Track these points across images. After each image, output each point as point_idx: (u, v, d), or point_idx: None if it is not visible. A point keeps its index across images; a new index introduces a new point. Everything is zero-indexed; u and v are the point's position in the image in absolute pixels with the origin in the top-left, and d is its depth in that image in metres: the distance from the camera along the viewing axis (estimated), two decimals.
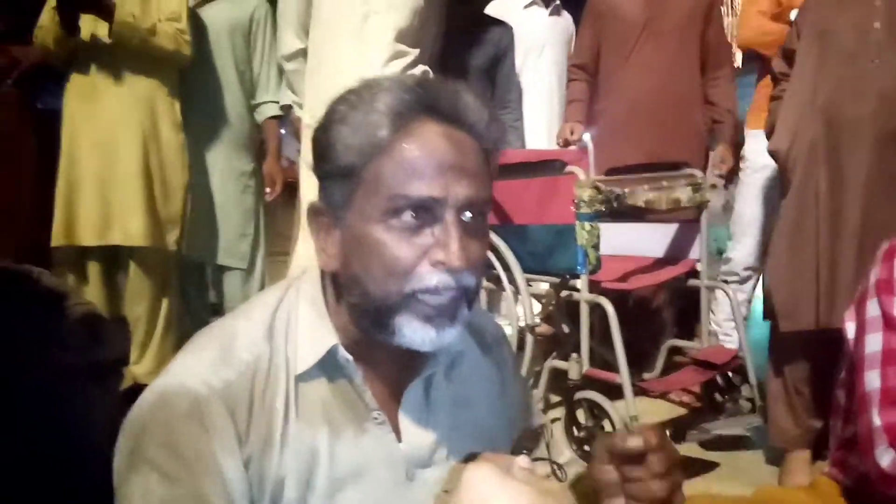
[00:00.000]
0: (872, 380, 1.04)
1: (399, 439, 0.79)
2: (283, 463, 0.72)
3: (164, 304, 2.40)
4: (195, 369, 0.71)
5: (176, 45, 2.27)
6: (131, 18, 2.16)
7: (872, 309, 1.10)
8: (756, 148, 2.59)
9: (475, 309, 0.96)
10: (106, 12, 2.13)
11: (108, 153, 2.24)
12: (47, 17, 2.22)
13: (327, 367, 0.76)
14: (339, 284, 0.76)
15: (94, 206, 2.22)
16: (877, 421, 1.00)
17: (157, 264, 2.36)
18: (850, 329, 1.15)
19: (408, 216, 0.69)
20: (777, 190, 2.51)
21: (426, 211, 0.70)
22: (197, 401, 0.69)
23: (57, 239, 2.24)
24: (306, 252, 2.01)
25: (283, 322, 0.77)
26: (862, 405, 1.04)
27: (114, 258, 2.34)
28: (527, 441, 0.84)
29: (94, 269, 2.30)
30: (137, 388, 2.21)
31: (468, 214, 0.71)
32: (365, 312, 0.73)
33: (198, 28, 2.51)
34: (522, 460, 0.61)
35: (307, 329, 0.76)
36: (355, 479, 0.75)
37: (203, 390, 0.69)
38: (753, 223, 2.63)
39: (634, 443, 0.66)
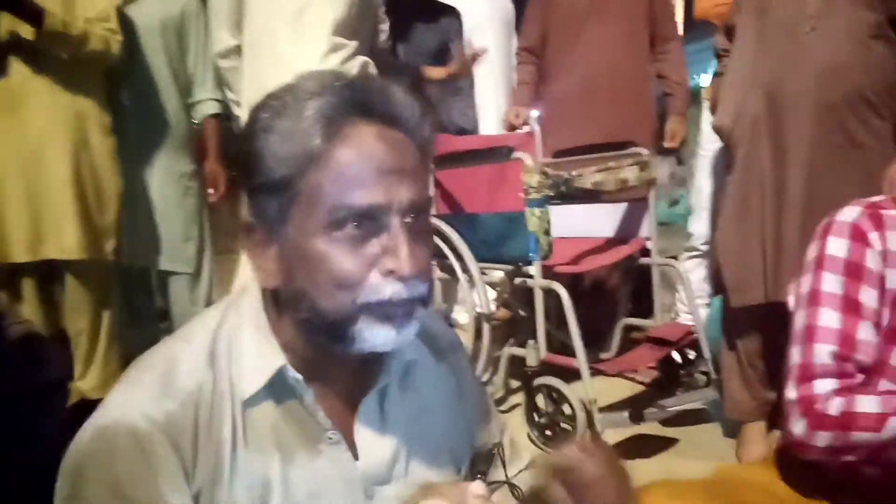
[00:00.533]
0: (794, 355, 1.09)
1: (356, 457, 0.76)
2: (233, 495, 0.68)
3: (106, 315, 2.31)
4: (134, 402, 0.68)
5: (106, 45, 2.16)
6: (62, 26, 2.05)
7: (804, 284, 1.13)
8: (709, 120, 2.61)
9: (429, 314, 0.94)
10: (34, 18, 2.02)
11: (36, 165, 2.12)
12: None
13: (275, 388, 0.72)
14: (282, 300, 0.73)
15: (25, 222, 2.10)
16: (792, 394, 1.06)
17: (95, 276, 2.26)
18: (791, 303, 1.18)
19: (351, 227, 0.67)
20: None
21: (370, 219, 0.67)
22: (138, 436, 0.65)
23: None
24: (247, 268, 1.94)
25: (225, 345, 0.73)
26: (785, 378, 1.10)
27: (49, 272, 2.24)
28: (481, 463, 0.81)
29: (28, 285, 2.19)
30: (85, 404, 2.14)
31: (411, 217, 0.69)
32: (317, 327, 0.70)
33: (127, 27, 2.39)
34: (476, 487, 0.59)
35: (252, 350, 0.73)
36: (313, 502, 0.72)
37: (144, 424, 0.66)
38: (712, 196, 2.66)
39: (571, 456, 0.65)
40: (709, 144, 2.65)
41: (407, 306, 0.69)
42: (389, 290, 0.67)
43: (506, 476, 0.78)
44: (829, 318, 1.07)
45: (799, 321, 1.11)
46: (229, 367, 0.72)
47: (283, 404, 0.73)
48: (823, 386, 1.04)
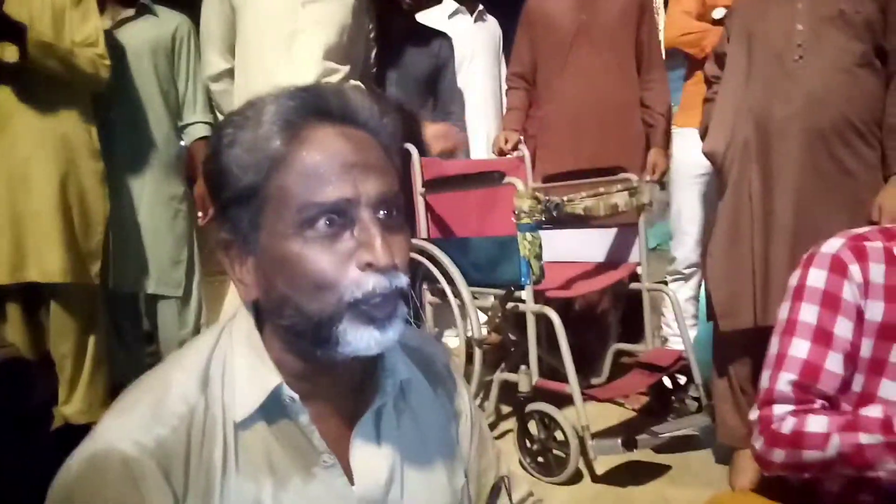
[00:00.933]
0: (763, 379, 1.15)
1: (351, 481, 0.74)
2: None
3: (92, 339, 2.28)
4: (124, 429, 0.66)
5: (94, 68, 2.16)
6: (46, 43, 2.04)
7: (782, 312, 1.17)
8: (684, 146, 2.64)
9: (424, 337, 0.93)
10: (16, 35, 2.01)
11: (21, 188, 2.10)
12: None
13: (270, 410, 0.71)
14: (266, 312, 0.72)
15: (7, 244, 2.08)
16: (754, 414, 1.14)
17: (80, 300, 2.23)
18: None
19: (322, 224, 0.66)
20: (710, 185, 2.58)
21: (340, 215, 0.67)
22: (128, 464, 0.64)
23: None
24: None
25: (218, 368, 0.72)
26: (755, 399, 1.17)
27: (34, 295, 2.21)
28: (489, 498, 0.80)
29: (13, 307, 2.17)
30: (68, 429, 2.09)
31: (383, 213, 0.69)
32: (302, 332, 0.69)
33: (117, 50, 2.40)
34: None
35: (245, 371, 0.72)
36: None
37: (134, 451, 0.64)
38: (691, 220, 2.67)
39: None
40: (682, 170, 2.67)
41: (390, 303, 0.68)
42: (371, 281, 0.67)
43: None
44: (799, 349, 1.11)
45: (773, 348, 1.16)
46: (222, 390, 0.71)
47: (277, 426, 0.72)
48: (781, 409, 1.11)
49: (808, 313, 1.12)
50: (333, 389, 0.75)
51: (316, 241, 0.67)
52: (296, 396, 0.71)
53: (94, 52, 2.16)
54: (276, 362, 0.72)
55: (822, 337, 1.10)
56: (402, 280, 0.69)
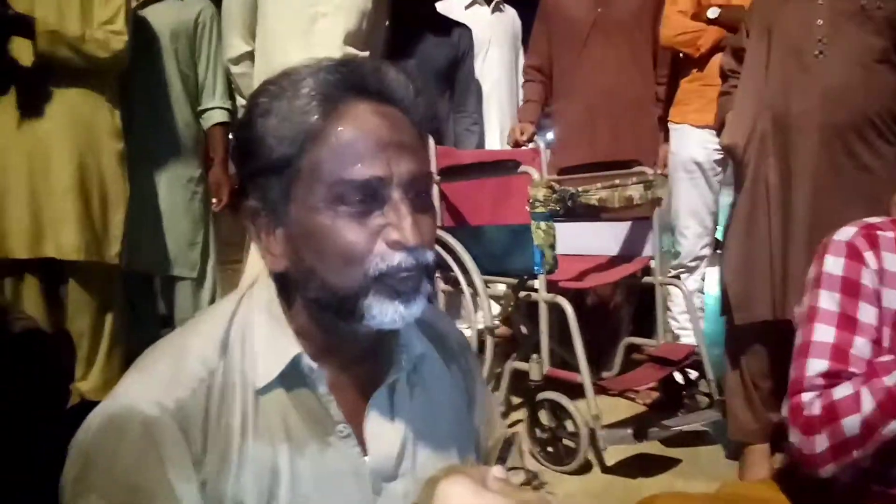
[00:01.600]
0: (791, 371, 1.12)
1: (364, 452, 0.75)
2: (240, 483, 0.68)
3: (109, 318, 2.30)
4: (145, 389, 0.67)
5: (108, 50, 2.17)
6: (56, 27, 2.08)
7: (804, 304, 1.16)
8: (680, 142, 2.64)
9: (438, 314, 0.94)
10: (26, 29, 2.04)
11: (42, 164, 2.12)
12: None
13: (289, 378, 0.72)
14: (292, 283, 0.73)
15: (25, 219, 2.10)
16: (785, 409, 1.11)
17: (97, 278, 2.26)
18: (795, 322, 1.20)
19: (354, 201, 0.67)
20: (704, 180, 2.61)
21: (372, 193, 0.67)
22: (149, 424, 0.65)
23: None
24: (258, 259, 1.95)
25: (238, 335, 0.73)
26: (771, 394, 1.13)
27: (53, 272, 2.24)
28: (500, 450, 0.81)
29: (31, 283, 2.19)
30: (84, 406, 2.11)
31: (413, 193, 0.69)
32: (328, 304, 0.70)
33: (139, 32, 2.42)
34: (497, 471, 0.58)
35: (265, 340, 0.72)
36: (320, 496, 0.71)
37: (155, 412, 0.65)
38: (691, 214, 2.67)
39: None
40: (678, 165, 2.66)
41: (414, 278, 0.69)
42: (398, 257, 0.67)
43: (523, 463, 0.77)
44: (824, 334, 1.10)
45: (798, 339, 1.14)
46: (242, 356, 0.71)
47: (294, 394, 0.72)
48: (809, 395, 1.07)
49: (829, 300, 1.11)
50: (351, 361, 0.75)
51: (346, 217, 0.67)
52: (315, 366, 0.72)
53: (107, 29, 2.18)
54: (298, 332, 0.73)
55: (846, 322, 1.09)
56: (429, 256, 0.70)
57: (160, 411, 0.65)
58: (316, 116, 0.67)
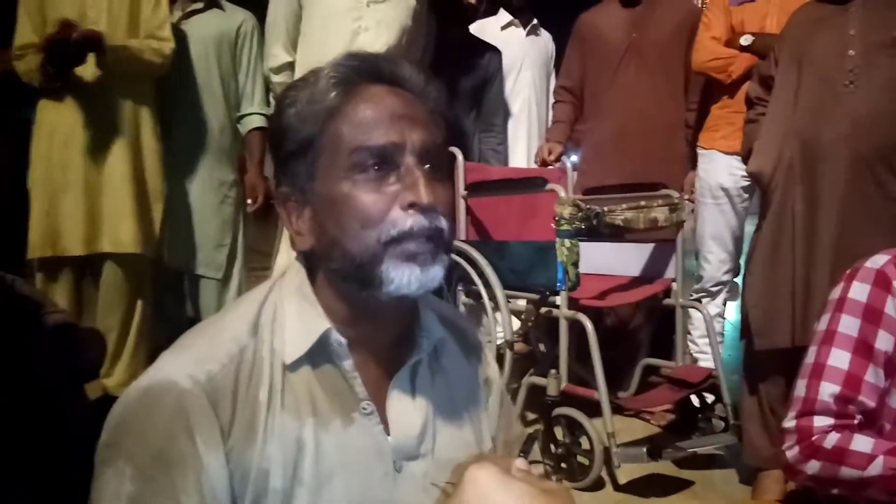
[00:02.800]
0: (799, 387, 1.16)
1: (387, 431, 0.78)
2: (266, 454, 0.71)
3: (138, 314, 2.37)
4: (179, 364, 0.71)
5: (161, 56, 2.28)
6: (119, 43, 2.19)
7: (822, 323, 1.19)
8: (707, 167, 2.65)
9: (457, 312, 0.98)
10: (97, 46, 2.15)
11: (98, 162, 2.22)
12: (32, 61, 2.18)
13: (317, 354, 0.76)
14: (318, 259, 0.78)
15: (81, 217, 2.20)
16: (790, 423, 1.14)
17: (133, 273, 2.34)
18: None
19: (371, 168, 0.72)
20: (730, 206, 2.62)
21: (387, 159, 0.73)
22: (181, 395, 0.69)
23: (39, 250, 2.21)
24: (286, 264, 1.99)
25: (269, 316, 0.77)
26: (787, 407, 1.17)
27: (83, 268, 2.32)
28: (523, 445, 0.84)
29: (65, 279, 2.26)
30: (107, 399, 2.16)
31: (427, 164, 0.74)
32: (348, 274, 0.74)
33: (184, 39, 2.52)
34: (521, 462, 0.62)
35: (296, 318, 0.77)
36: (343, 470, 0.75)
37: (187, 384, 0.69)
38: (715, 240, 2.68)
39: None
40: (705, 190, 2.68)
41: (431, 242, 0.73)
42: (410, 221, 0.72)
43: (542, 458, 0.80)
44: (840, 359, 1.13)
45: (810, 356, 1.17)
46: (272, 334, 0.76)
47: (321, 370, 0.76)
48: (822, 421, 1.11)
49: (849, 325, 1.13)
50: (376, 339, 0.79)
51: (364, 183, 0.72)
52: (343, 341, 0.76)
53: (158, 36, 2.30)
54: (326, 309, 0.77)
55: (864, 349, 1.12)
56: (443, 222, 0.74)
57: (192, 383, 0.69)
58: (334, 95, 0.74)
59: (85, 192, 2.21)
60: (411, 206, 0.72)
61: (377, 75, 0.76)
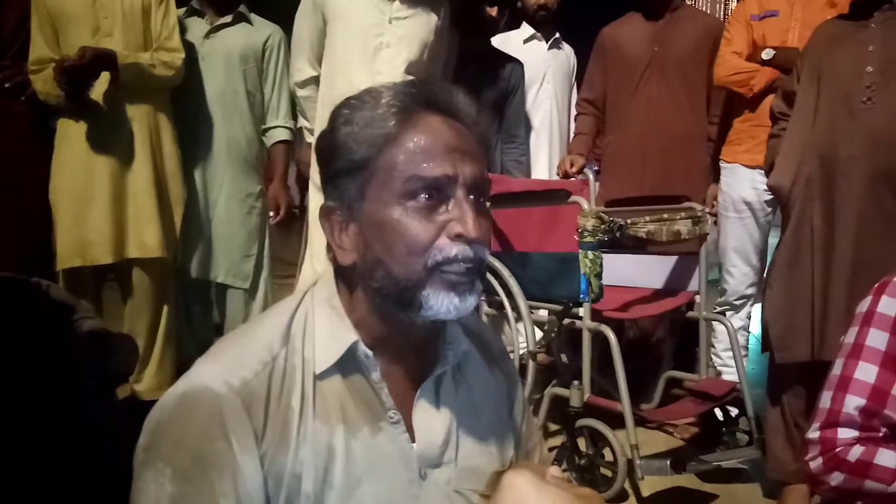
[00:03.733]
0: (824, 399, 1.17)
1: (412, 439, 0.81)
2: (299, 459, 0.74)
3: (164, 320, 2.42)
4: (215, 370, 0.75)
5: (172, 68, 2.35)
6: (133, 60, 2.25)
7: (849, 336, 1.20)
8: (730, 181, 2.65)
9: (482, 323, 1.01)
10: (110, 64, 2.21)
11: (124, 169, 2.28)
12: (48, 77, 2.20)
13: (346, 364, 0.79)
14: (358, 275, 0.80)
15: (109, 225, 2.25)
16: (814, 434, 1.16)
17: (158, 278, 2.39)
18: None
19: (422, 197, 0.75)
20: (754, 220, 2.62)
21: (439, 190, 0.75)
22: (217, 400, 0.72)
23: (68, 260, 2.26)
24: (311, 274, 2.03)
25: (300, 325, 0.80)
26: (812, 418, 1.18)
27: (104, 277, 2.37)
28: (557, 453, 0.86)
29: (87, 288, 2.30)
30: (134, 401, 2.19)
31: (474, 195, 0.77)
32: (388, 294, 0.77)
33: (212, 52, 2.58)
34: (555, 469, 0.65)
35: (325, 329, 0.80)
36: (371, 476, 0.78)
37: (222, 389, 0.72)
38: (738, 253, 2.67)
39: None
40: (728, 204, 2.67)
41: (470, 273, 0.76)
42: (456, 249, 0.75)
43: (571, 468, 0.82)
44: (867, 373, 1.14)
45: (836, 369, 1.18)
46: (303, 343, 0.79)
47: (350, 380, 0.80)
48: (846, 433, 1.12)
49: (878, 339, 1.14)
50: (402, 352, 0.82)
51: (414, 211, 0.75)
52: (370, 353, 0.79)
53: (168, 47, 2.37)
54: (356, 322, 0.80)
55: (891, 363, 1.13)
56: (485, 253, 0.78)
57: (227, 389, 0.73)
58: (393, 123, 0.76)
59: (111, 201, 2.26)
60: (458, 236, 0.75)
61: (434, 105, 0.79)
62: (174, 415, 0.73)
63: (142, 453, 0.73)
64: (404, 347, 0.82)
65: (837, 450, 1.11)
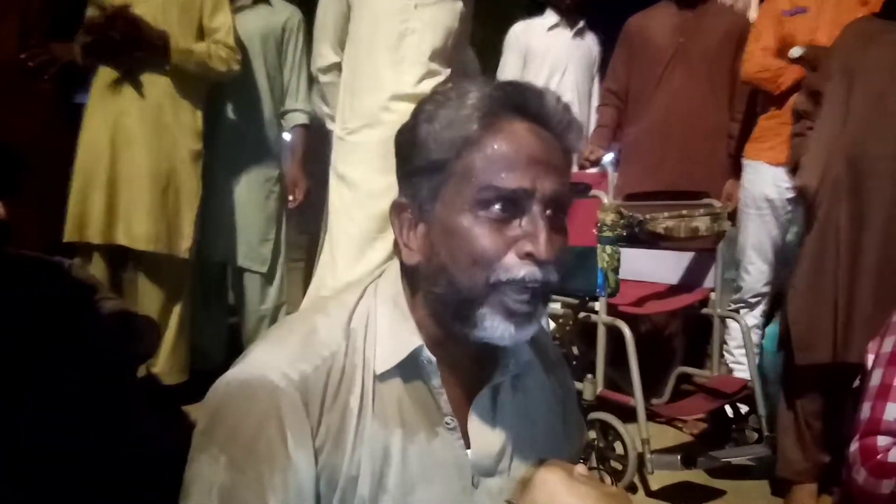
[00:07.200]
0: (864, 410, 1.14)
1: (467, 446, 0.80)
2: (355, 461, 0.73)
3: (177, 308, 2.40)
4: (274, 361, 0.73)
5: (227, 66, 2.35)
6: (186, 48, 2.25)
7: (887, 345, 1.17)
8: (753, 178, 2.64)
9: (540, 329, 0.99)
10: (162, 47, 2.22)
11: (121, 153, 2.26)
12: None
13: (406, 367, 0.77)
14: (421, 277, 0.77)
15: (103, 205, 2.23)
16: (854, 446, 1.13)
17: (167, 269, 2.37)
18: (869, 360, 1.22)
19: (496, 208, 0.71)
20: (773, 217, 2.60)
21: (514, 203, 0.72)
22: (275, 392, 0.71)
23: (69, 234, 2.26)
24: (329, 263, 2.02)
25: (361, 322, 0.78)
26: (852, 431, 1.15)
27: (122, 259, 2.36)
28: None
29: (98, 266, 2.29)
30: (150, 379, 2.18)
31: (551, 211, 0.73)
32: (448, 304, 0.74)
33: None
34: (581, 467, 0.66)
35: (388, 329, 0.78)
36: (425, 482, 0.77)
37: (281, 382, 0.71)
38: (757, 250, 2.66)
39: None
40: (750, 201, 2.66)
41: (534, 301, 0.72)
42: (524, 271, 0.71)
43: (597, 466, 0.84)
44: None
45: (875, 378, 1.16)
46: (364, 341, 0.77)
47: (409, 383, 0.78)
48: (885, 441, 1.09)
49: None
50: (461, 360, 0.80)
51: (486, 222, 0.71)
52: (433, 359, 0.77)
53: (225, 44, 2.36)
54: (418, 324, 0.78)
55: None
56: (555, 275, 0.73)
57: (286, 382, 0.71)
58: (476, 126, 0.72)
59: (106, 182, 2.24)
60: (528, 255, 0.71)
61: (522, 110, 0.74)
62: (233, 403, 0.72)
63: (198, 437, 0.73)
64: (464, 354, 0.80)
65: (878, 456, 1.08)
